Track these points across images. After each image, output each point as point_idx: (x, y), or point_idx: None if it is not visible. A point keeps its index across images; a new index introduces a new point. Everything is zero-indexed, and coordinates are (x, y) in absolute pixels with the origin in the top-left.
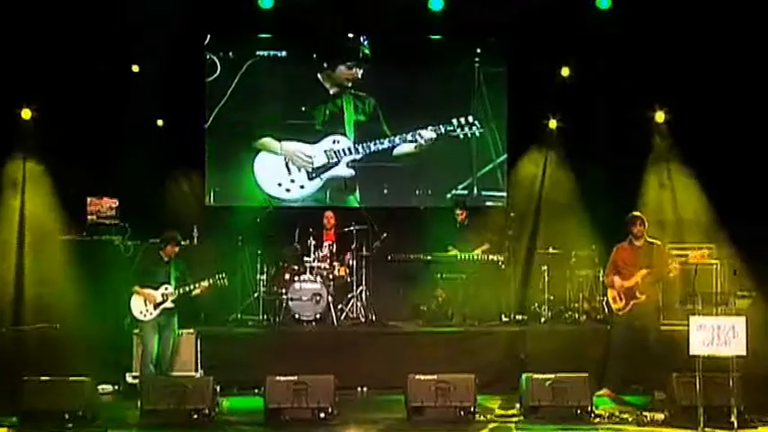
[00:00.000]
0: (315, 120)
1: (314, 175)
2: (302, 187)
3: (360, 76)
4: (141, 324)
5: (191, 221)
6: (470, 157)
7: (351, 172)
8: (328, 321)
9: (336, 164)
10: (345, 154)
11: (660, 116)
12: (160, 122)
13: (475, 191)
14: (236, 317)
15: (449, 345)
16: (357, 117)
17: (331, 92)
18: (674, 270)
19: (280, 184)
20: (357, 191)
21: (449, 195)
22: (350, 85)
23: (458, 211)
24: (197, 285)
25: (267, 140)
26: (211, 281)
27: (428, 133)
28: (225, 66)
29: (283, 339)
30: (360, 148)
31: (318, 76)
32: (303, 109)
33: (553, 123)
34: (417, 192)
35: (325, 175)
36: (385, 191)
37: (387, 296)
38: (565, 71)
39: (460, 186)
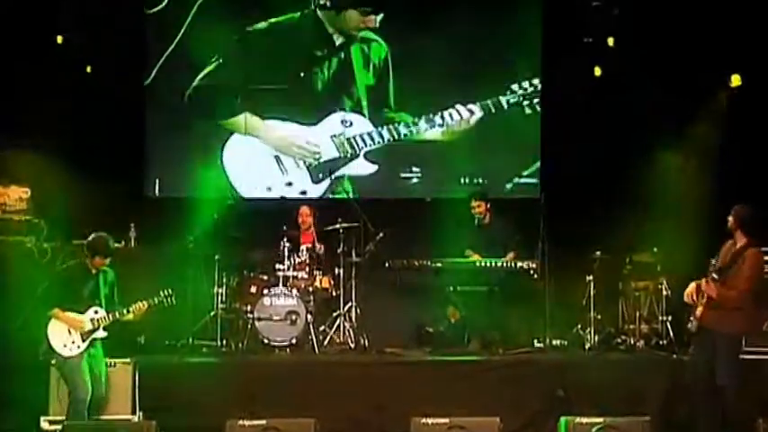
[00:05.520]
0: (312, 85)
1: (321, 175)
2: (304, 193)
3: (377, 24)
4: (64, 360)
5: (127, 217)
6: (536, 130)
7: (374, 168)
8: (307, 348)
9: (354, 156)
10: (365, 143)
11: (737, 79)
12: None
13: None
14: (186, 342)
15: (465, 378)
16: (368, 79)
17: (337, 42)
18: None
19: (270, 189)
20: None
21: (509, 185)
22: (361, 34)
23: (474, 204)
24: (131, 309)
25: (244, 118)
26: (151, 302)
27: (464, 111)
28: None
29: (248, 371)
30: (386, 133)
31: (320, 15)
32: (302, 74)
33: (598, 70)
34: (463, 180)
35: (338, 175)
36: (414, 179)
37: (384, 315)
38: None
39: (526, 173)
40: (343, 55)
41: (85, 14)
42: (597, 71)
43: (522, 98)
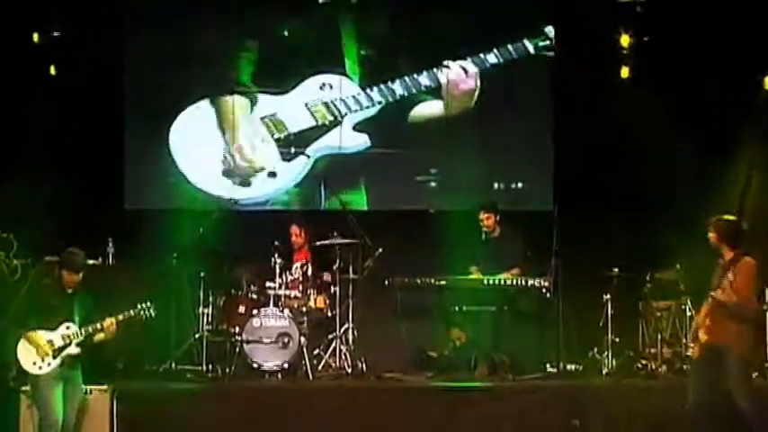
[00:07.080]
0: (295, 54)
1: (294, 150)
2: (272, 175)
3: None
4: (36, 380)
5: (104, 232)
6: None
7: (364, 139)
8: (300, 373)
9: (334, 124)
10: (349, 108)
11: None
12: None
13: None
14: (168, 367)
15: (471, 406)
16: (362, 48)
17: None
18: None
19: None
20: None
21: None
22: None
23: (483, 215)
24: (100, 325)
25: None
26: (123, 316)
27: (469, 65)
28: None
29: (236, 398)
30: (376, 94)
31: None
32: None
33: (625, 71)
34: (497, 185)
35: (315, 149)
36: (432, 182)
37: (383, 337)
38: (624, 40)
39: None
40: (328, 17)
41: (61, 17)
42: (624, 72)
43: (553, 42)
